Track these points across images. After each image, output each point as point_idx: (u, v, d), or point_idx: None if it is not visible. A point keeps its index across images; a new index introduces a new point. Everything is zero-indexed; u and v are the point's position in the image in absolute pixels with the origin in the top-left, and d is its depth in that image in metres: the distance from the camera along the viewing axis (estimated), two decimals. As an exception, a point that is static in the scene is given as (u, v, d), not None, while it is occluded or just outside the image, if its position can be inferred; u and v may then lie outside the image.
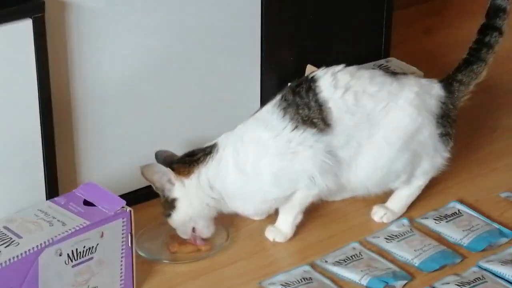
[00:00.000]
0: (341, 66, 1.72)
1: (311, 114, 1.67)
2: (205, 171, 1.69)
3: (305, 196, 1.69)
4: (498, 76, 2.09)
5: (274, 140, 1.67)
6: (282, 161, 1.65)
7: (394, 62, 2.08)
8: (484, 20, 1.77)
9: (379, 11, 2.09)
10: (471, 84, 1.79)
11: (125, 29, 1.69)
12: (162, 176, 1.64)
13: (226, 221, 1.73)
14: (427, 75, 2.01)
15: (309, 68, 1.90)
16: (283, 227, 1.73)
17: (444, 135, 1.73)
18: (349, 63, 1.76)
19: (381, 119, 1.69)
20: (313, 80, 1.69)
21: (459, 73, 1.78)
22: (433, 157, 1.73)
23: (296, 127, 1.67)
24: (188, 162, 1.70)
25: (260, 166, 1.66)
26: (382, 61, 2.07)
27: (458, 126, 1.75)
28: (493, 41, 1.76)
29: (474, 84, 1.79)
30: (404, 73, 1.91)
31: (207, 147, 1.71)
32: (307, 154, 1.67)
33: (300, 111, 1.67)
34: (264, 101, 1.80)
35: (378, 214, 1.77)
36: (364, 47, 2.10)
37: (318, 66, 1.79)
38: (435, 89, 1.74)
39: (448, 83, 1.77)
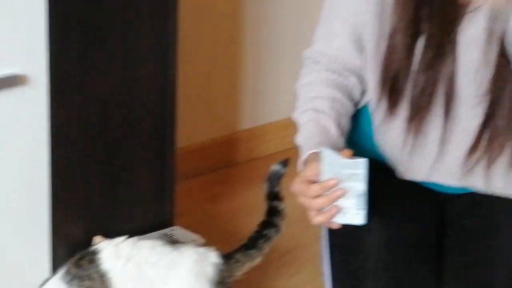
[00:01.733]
0: (123, 238, 1.74)
1: (94, 285, 1.68)
2: None
3: None
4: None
5: None
6: None
7: (177, 231, 2.10)
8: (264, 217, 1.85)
9: (162, 183, 2.12)
10: (245, 265, 1.83)
11: None
12: None
13: None
14: (211, 240, 2.06)
15: (97, 239, 1.90)
16: None
17: None
18: (136, 234, 1.79)
19: (162, 286, 1.71)
20: (95, 252, 1.70)
21: (238, 252, 1.82)
22: None
23: None
24: None
25: None
26: (166, 230, 2.09)
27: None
28: (270, 235, 1.83)
29: (249, 266, 1.84)
30: (184, 242, 1.95)
31: None
32: None
33: (84, 283, 1.68)
34: (55, 270, 1.78)
35: None
36: (149, 218, 2.11)
37: (109, 236, 1.80)
38: (212, 258, 1.77)
39: (227, 255, 1.81)
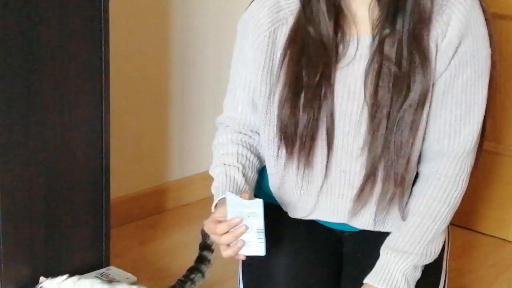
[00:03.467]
0: (65, 277, 1.75)
1: None
2: None
3: None
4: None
5: None
6: None
7: (113, 270, 2.09)
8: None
9: (99, 229, 2.09)
10: None
11: None
12: None
13: None
14: (143, 278, 2.08)
15: (42, 280, 1.86)
16: None
17: None
18: (76, 273, 1.79)
19: None
20: None
21: None
22: None
23: None
24: None
25: None
26: (103, 270, 2.08)
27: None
28: (196, 279, 1.87)
29: None
30: (119, 281, 1.96)
31: None
32: None
33: None
34: None
35: None
36: (88, 259, 2.08)
37: (52, 276, 1.79)
38: None
39: None
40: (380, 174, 1.74)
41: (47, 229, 1.99)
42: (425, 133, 1.76)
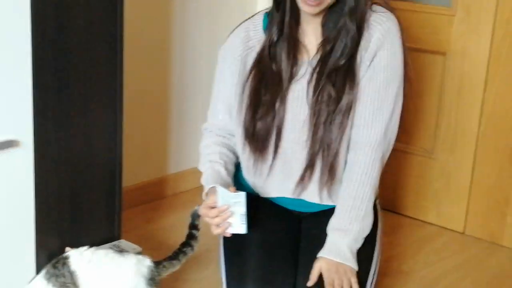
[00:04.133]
0: (85, 248, 1.74)
1: (66, 280, 1.68)
2: None
3: None
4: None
5: None
6: None
7: (123, 243, 2.07)
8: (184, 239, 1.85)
9: (113, 210, 2.05)
10: (169, 270, 1.80)
11: None
12: None
13: None
14: (147, 250, 2.06)
15: (68, 249, 1.85)
16: None
17: None
18: (94, 245, 1.79)
19: (113, 279, 1.70)
20: (66, 257, 1.71)
21: (165, 261, 1.80)
22: None
23: None
24: None
25: None
26: (115, 242, 2.06)
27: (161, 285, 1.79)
28: (188, 252, 1.83)
29: (171, 271, 1.80)
30: (128, 251, 1.95)
31: None
32: None
33: (59, 279, 1.68)
34: (39, 271, 1.76)
35: None
36: (104, 234, 2.05)
37: (76, 247, 1.79)
38: (147, 262, 1.76)
39: (157, 262, 1.79)
40: (318, 165, 1.76)
41: (72, 210, 1.97)
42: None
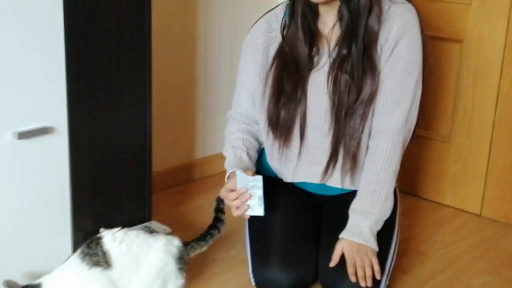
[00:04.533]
0: (118, 229, 1.74)
1: (99, 259, 1.68)
2: None
3: None
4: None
5: (76, 277, 1.67)
6: None
7: (154, 224, 2.08)
8: (212, 222, 1.86)
9: (144, 193, 2.06)
10: (197, 250, 1.80)
11: None
12: None
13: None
14: (176, 231, 2.05)
15: (101, 230, 1.88)
16: None
17: (180, 269, 1.75)
18: (126, 226, 1.78)
19: (143, 259, 1.71)
20: (100, 238, 1.71)
21: (193, 242, 1.81)
22: (175, 281, 1.75)
23: (90, 268, 1.67)
24: None
25: None
26: (146, 223, 2.07)
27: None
28: (214, 234, 1.83)
29: (199, 251, 1.81)
30: (158, 232, 1.95)
31: (34, 285, 1.66)
32: (96, 284, 1.67)
33: (92, 258, 1.67)
34: (75, 250, 1.77)
35: None
36: (135, 215, 2.06)
37: (109, 227, 1.78)
38: (176, 242, 1.76)
39: (186, 242, 1.79)
40: (341, 153, 1.75)
41: (105, 194, 1.98)
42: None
